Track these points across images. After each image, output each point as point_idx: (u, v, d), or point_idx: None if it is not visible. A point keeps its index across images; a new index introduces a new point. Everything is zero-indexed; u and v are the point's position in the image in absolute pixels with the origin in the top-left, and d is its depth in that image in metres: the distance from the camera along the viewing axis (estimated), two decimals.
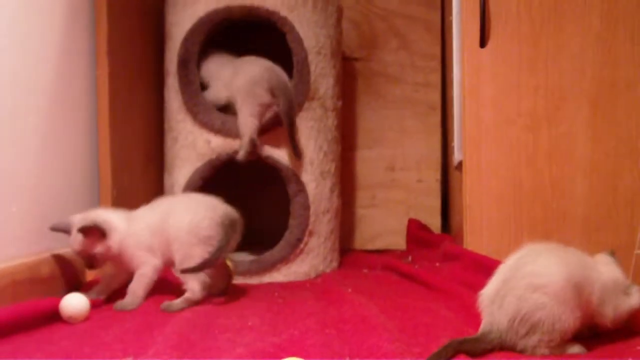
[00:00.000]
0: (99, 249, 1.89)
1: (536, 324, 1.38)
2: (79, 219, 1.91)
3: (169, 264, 1.99)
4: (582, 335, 1.47)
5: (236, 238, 1.96)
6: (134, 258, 1.93)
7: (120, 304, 1.88)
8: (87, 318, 1.74)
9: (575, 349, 1.42)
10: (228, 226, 1.93)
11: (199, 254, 1.90)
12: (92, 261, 1.92)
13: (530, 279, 1.40)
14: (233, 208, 1.98)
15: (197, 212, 1.95)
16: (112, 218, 1.94)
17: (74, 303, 1.74)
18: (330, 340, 1.48)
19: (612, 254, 1.56)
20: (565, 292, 1.39)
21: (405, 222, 3.00)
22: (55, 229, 1.92)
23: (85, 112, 2.24)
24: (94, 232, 1.88)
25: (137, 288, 1.91)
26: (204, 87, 2.47)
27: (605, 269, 1.49)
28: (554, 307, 1.38)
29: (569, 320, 1.39)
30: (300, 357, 1.24)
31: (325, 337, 1.50)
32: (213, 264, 1.92)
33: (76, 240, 1.89)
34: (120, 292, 1.94)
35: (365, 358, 1.36)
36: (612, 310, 1.46)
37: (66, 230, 1.91)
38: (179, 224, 1.93)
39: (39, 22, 1.99)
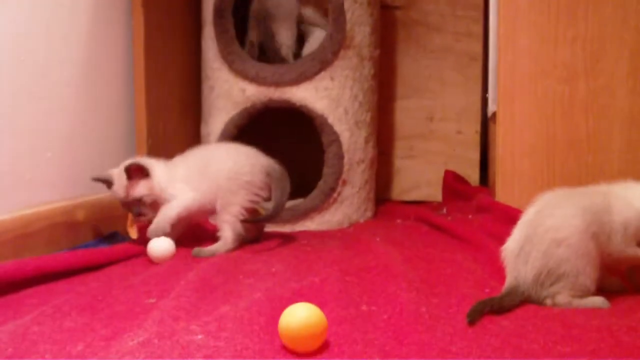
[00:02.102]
0: (142, 189, 1.90)
1: (561, 276, 1.40)
2: (118, 169, 1.93)
3: (207, 213, 2.02)
4: (607, 288, 1.48)
5: (288, 186, 2.00)
6: (173, 190, 1.94)
7: (148, 230, 1.90)
8: (172, 258, 1.82)
9: (598, 302, 1.41)
10: (280, 174, 1.98)
11: (239, 201, 1.95)
12: (138, 206, 1.92)
13: (553, 234, 1.41)
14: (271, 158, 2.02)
15: (238, 159, 1.99)
16: (151, 161, 1.96)
17: (160, 245, 1.82)
18: (349, 288, 1.49)
19: None
20: (587, 244, 1.40)
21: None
22: (96, 179, 1.95)
23: (121, 62, 2.27)
24: (137, 172, 1.90)
25: (166, 213, 1.91)
26: None
27: (621, 210, 1.46)
28: (577, 260, 1.40)
29: (591, 273, 1.40)
30: (317, 303, 1.26)
31: (345, 284, 1.52)
32: (279, 214, 1.98)
33: (120, 185, 1.91)
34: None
35: (382, 305, 1.37)
36: (615, 249, 1.44)
37: (107, 181, 1.93)
38: (220, 171, 1.96)
39: None
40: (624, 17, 2.04)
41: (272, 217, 2.00)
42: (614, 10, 2.05)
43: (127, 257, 1.86)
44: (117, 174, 1.92)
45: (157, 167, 1.95)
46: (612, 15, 2.05)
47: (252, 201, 1.99)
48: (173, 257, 1.83)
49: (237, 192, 1.96)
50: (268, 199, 2.02)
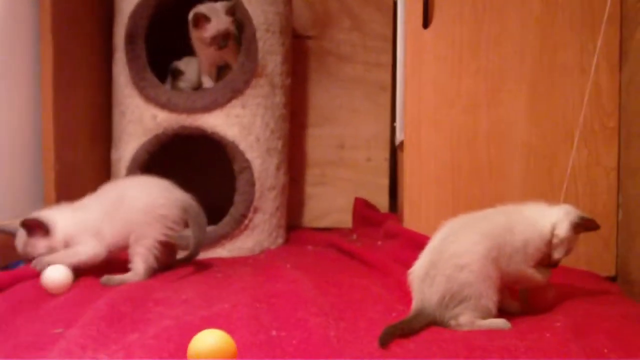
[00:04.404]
0: (41, 249, 1.86)
1: (464, 299, 1.46)
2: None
3: (123, 248, 1.96)
4: (508, 310, 1.56)
5: (205, 223, 2.01)
6: (78, 240, 1.89)
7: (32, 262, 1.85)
8: (69, 289, 1.74)
9: (499, 323, 1.48)
10: (196, 210, 1.98)
11: (153, 234, 1.93)
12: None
13: (456, 260, 1.48)
14: (183, 190, 2.01)
15: (152, 192, 1.96)
16: (54, 214, 1.90)
17: (55, 275, 1.74)
18: (259, 314, 1.51)
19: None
20: (487, 269, 1.48)
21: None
22: (2, 231, 1.91)
23: (27, 88, 2.22)
24: (37, 229, 1.85)
25: (65, 257, 1.85)
26: None
27: (523, 230, 1.55)
28: (479, 284, 1.47)
29: (493, 295, 1.48)
30: (227, 329, 1.27)
31: (255, 310, 1.53)
32: (199, 252, 2.01)
33: (20, 240, 1.87)
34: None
35: (291, 331, 1.39)
36: (515, 268, 1.54)
37: (12, 233, 1.90)
38: (134, 205, 1.93)
39: None
40: (521, 52, 2.15)
41: (192, 256, 2.02)
42: (513, 46, 2.15)
43: (23, 280, 1.80)
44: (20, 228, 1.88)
45: (62, 219, 1.89)
46: (511, 51, 2.15)
47: (166, 235, 1.95)
48: (70, 287, 1.75)
49: (151, 224, 1.93)
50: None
